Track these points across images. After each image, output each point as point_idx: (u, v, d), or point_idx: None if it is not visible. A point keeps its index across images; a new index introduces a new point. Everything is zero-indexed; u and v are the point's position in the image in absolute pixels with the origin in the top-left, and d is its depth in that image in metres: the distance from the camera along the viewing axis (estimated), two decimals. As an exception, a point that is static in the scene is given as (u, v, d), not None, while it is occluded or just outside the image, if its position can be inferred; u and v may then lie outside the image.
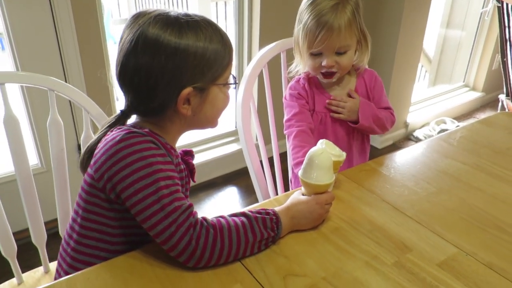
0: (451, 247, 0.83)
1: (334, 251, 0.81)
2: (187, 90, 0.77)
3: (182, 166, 0.86)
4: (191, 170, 0.91)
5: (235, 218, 0.78)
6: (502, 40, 2.82)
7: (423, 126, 3.17)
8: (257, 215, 0.80)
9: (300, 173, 0.88)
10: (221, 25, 1.65)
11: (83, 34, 1.74)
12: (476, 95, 3.63)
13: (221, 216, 0.79)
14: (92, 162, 0.78)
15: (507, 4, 2.55)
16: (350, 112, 1.19)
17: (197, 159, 2.42)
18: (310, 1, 1.09)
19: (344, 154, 0.96)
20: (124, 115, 0.83)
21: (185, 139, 2.45)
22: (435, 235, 0.86)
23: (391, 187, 1.02)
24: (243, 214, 0.80)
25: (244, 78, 1.31)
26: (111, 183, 0.74)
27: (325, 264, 0.78)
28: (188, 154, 0.92)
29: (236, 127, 2.65)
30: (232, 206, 2.31)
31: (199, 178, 2.44)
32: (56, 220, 1.16)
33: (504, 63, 2.88)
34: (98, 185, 0.77)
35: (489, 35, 3.45)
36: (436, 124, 3.13)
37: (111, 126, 0.83)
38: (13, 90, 1.89)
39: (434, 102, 3.48)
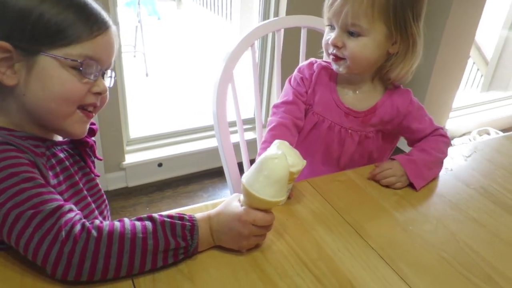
0: (413, 296, 0.63)
1: (258, 282, 0.64)
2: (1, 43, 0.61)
3: (62, 155, 0.72)
4: (90, 147, 0.77)
5: (136, 222, 0.63)
6: None
7: (463, 134, 2.86)
8: (166, 219, 0.64)
9: (244, 175, 0.70)
10: None
11: None
12: (532, 106, 3.24)
13: (119, 220, 0.64)
14: None
15: None
16: (402, 176, 0.90)
17: (202, 145, 2.30)
18: None
19: (302, 163, 0.77)
20: None
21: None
22: (397, 277, 0.66)
23: (364, 206, 0.82)
24: (149, 217, 0.64)
25: (225, 56, 1.14)
26: None
27: (236, 297, 0.61)
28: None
29: (254, 115, 2.48)
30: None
31: (203, 165, 2.31)
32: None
33: None
34: None
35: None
36: (478, 134, 2.81)
37: None
38: None
39: (482, 109, 3.15)
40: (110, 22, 0.69)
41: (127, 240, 0.60)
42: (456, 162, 1.00)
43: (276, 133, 0.94)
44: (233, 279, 0.64)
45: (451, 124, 2.83)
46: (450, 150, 1.02)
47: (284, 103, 1.00)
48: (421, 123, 0.98)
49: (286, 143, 0.77)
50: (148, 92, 3.26)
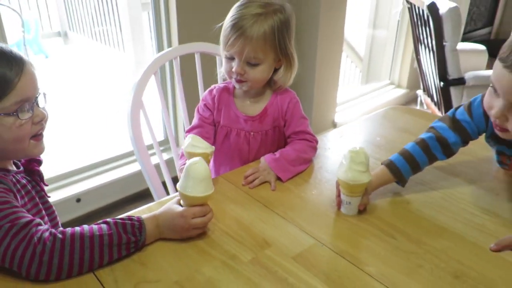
0: (310, 239, 0.87)
1: (194, 254, 0.82)
2: None
3: (24, 181, 0.86)
4: (39, 175, 0.92)
5: (93, 225, 0.79)
6: (414, 38, 2.98)
7: (350, 124, 3.27)
8: (118, 220, 0.80)
9: (178, 184, 0.88)
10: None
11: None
12: (401, 92, 3.80)
13: (80, 227, 0.78)
14: None
15: (415, 5, 2.70)
16: (270, 174, 1.09)
17: (118, 174, 2.38)
18: (241, 3, 1.10)
19: (211, 148, 1.02)
20: None
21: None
22: (296, 229, 0.89)
23: (267, 185, 1.05)
24: (104, 221, 0.80)
25: (133, 87, 1.31)
26: None
27: (180, 267, 0.79)
28: (33, 162, 0.91)
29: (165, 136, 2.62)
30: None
31: (122, 192, 2.39)
32: None
33: (419, 61, 3.04)
34: None
35: (409, 34, 3.63)
36: (361, 121, 3.23)
37: None
38: None
39: (363, 100, 3.61)
40: (23, 55, 0.78)
41: (86, 238, 0.75)
42: (332, 142, 1.28)
43: None
44: (176, 257, 0.81)
45: (340, 117, 3.23)
46: (329, 133, 1.30)
47: (193, 127, 1.21)
48: (294, 120, 1.19)
49: (196, 135, 1.01)
50: (51, 132, 3.22)
